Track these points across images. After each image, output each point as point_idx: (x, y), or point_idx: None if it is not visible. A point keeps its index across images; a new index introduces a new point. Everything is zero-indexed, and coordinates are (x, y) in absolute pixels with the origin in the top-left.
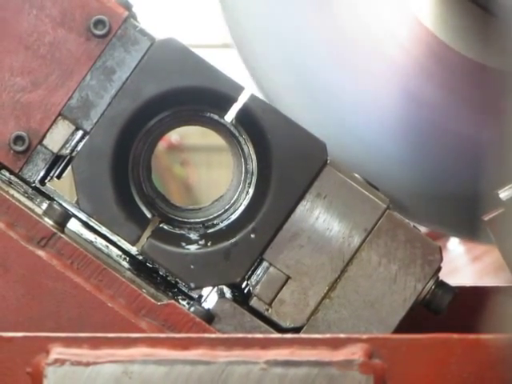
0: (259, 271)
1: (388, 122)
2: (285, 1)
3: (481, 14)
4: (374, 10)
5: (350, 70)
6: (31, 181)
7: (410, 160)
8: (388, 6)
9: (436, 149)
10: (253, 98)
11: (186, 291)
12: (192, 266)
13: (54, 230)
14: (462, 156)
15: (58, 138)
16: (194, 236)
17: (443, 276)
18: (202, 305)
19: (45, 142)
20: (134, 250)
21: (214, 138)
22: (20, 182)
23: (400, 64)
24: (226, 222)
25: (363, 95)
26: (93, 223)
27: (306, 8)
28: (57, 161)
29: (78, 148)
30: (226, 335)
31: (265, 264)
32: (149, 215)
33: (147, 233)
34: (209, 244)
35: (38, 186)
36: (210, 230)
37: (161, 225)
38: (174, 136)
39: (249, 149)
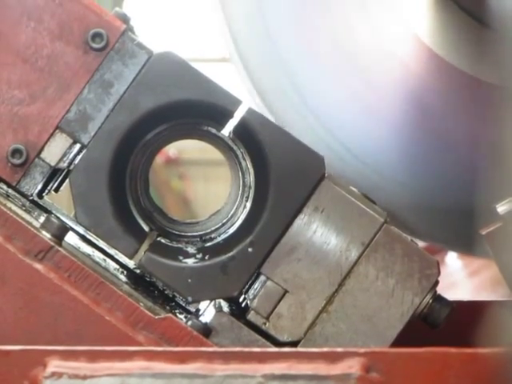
0: (257, 285)
1: (387, 138)
2: (283, 19)
3: (480, 29)
4: (374, 27)
5: (349, 87)
6: (29, 194)
7: (408, 175)
8: (387, 23)
9: (433, 164)
10: (250, 111)
11: (183, 305)
12: (189, 280)
13: (52, 244)
14: (459, 171)
15: (55, 151)
16: (191, 250)
17: (441, 290)
18: (200, 318)
19: (42, 155)
20: (131, 263)
21: (211, 152)
22: (18, 195)
23: (400, 80)
24: (223, 236)
25: (362, 112)
26: (90, 236)
27: (304, 25)
28: (54, 174)
29: (76, 161)
30: (223, 349)
31: (262, 278)
32: (146, 229)
33: (145, 246)
34: (206, 258)
35: (36, 199)
36: (208, 244)
37: (158, 238)
38: (172, 150)
39: (246, 162)
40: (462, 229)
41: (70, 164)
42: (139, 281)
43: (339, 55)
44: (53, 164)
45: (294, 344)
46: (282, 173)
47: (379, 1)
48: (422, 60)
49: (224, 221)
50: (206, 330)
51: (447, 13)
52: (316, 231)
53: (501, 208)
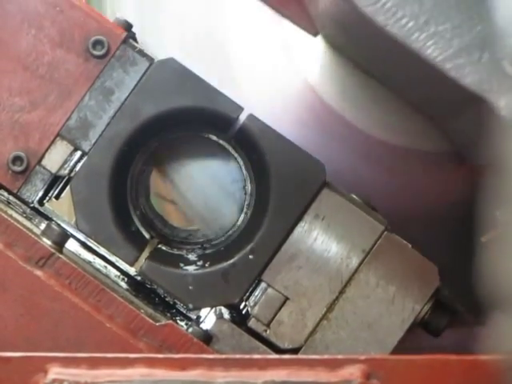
0: (257, 292)
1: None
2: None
3: (375, 85)
4: (269, 74)
5: None
6: (30, 201)
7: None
8: (282, 72)
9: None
10: (251, 118)
11: (184, 312)
12: (190, 287)
13: (53, 250)
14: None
15: (56, 158)
16: (192, 257)
17: None
18: (200, 325)
19: (43, 162)
20: (132, 270)
21: None
22: (18, 202)
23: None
24: (224, 243)
25: None
26: (91, 244)
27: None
28: (55, 181)
29: (77, 168)
30: (224, 356)
31: (263, 285)
32: (147, 236)
33: (145, 253)
34: (207, 265)
35: (37, 206)
36: (209, 251)
37: (159, 245)
38: None
39: (247, 170)
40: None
41: (70, 171)
42: (140, 288)
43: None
44: (54, 171)
45: (295, 351)
46: (283, 180)
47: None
48: (312, 109)
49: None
50: (207, 337)
51: (345, 69)
52: (317, 238)
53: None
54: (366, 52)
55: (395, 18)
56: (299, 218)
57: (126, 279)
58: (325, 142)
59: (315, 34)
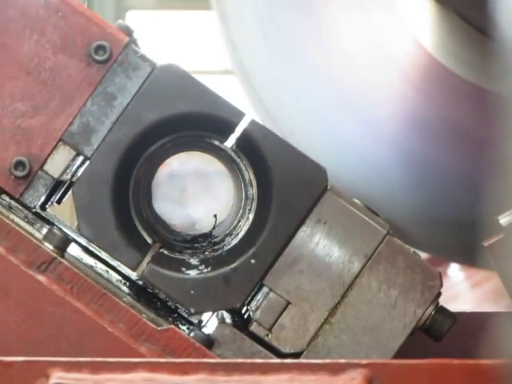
0: (259, 296)
1: (389, 149)
2: (283, 36)
3: (480, 37)
4: (375, 35)
5: (350, 97)
6: (32, 206)
7: (411, 186)
8: (389, 30)
9: (436, 175)
10: (253, 123)
11: (185, 316)
12: (192, 291)
13: (54, 255)
14: (461, 182)
15: (58, 163)
16: (194, 261)
17: (443, 302)
18: (202, 330)
19: (45, 167)
20: (134, 275)
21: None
22: (20, 207)
23: (400, 88)
24: (226, 248)
25: (365, 121)
26: (93, 248)
27: (305, 40)
28: (57, 186)
29: (79, 173)
30: (225, 360)
31: (265, 289)
32: (149, 240)
33: (147, 258)
34: (209, 269)
35: (39, 211)
36: (210, 256)
37: (161, 250)
38: (175, 161)
39: (249, 174)
40: (464, 241)
41: (72, 176)
42: (142, 292)
43: (338, 62)
44: (56, 176)
45: (297, 355)
46: (285, 185)
47: (379, 3)
48: (423, 67)
49: (227, 232)
50: (209, 342)
51: (449, 22)
52: (318, 243)
53: (503, 220)
54: None
55: None
56: (301, 223)
57: (127, 284)
58: (434, 95)
59: None
